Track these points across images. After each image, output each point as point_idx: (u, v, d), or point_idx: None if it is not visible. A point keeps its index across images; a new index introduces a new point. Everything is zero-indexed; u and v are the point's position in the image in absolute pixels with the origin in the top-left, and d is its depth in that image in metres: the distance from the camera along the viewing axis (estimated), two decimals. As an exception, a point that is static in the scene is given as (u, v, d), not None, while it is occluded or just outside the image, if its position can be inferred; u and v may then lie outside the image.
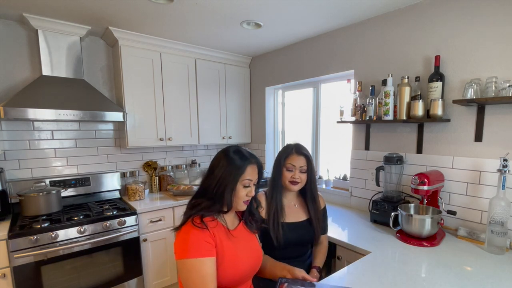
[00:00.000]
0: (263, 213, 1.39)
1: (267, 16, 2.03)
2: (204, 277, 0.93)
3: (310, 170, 1.45)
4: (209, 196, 1.05)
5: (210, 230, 1.01)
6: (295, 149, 1.43)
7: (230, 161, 1.05)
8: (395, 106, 1.83)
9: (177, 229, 1.04)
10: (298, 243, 1.45)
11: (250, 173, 1.07)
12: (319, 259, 1.48)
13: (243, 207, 1.11)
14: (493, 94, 1.45)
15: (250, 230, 1.20)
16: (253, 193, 1.10)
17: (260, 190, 1.50)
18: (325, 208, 1.57)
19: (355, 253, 1.53)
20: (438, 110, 1.62)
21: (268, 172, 3.18)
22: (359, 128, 2.21)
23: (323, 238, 1.55)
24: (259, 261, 1.17)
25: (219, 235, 1.04)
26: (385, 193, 1.91)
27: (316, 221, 1.47)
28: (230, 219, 1.14)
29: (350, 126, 2.29)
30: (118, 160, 2.65)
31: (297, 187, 1.43)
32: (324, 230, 1.55)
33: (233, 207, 1.09)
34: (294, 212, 1.48)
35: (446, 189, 1.72)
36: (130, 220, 2.12)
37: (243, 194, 1.07)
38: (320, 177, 2.65)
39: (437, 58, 1.66)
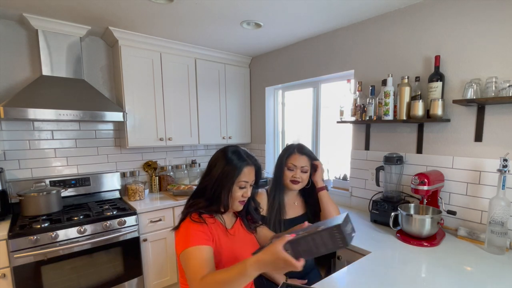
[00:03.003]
0: (263, 213, 1.40)
1: (267, 16, 2.03)
2: (201, 262, 0.92)
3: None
4: (207, 197, 1.06)
5: (209, 225, 1.02)
6: (297, 149, 1.46)
7: (228, 161, 1.06)
8: (395, 106, 1.83)
9: (176, 228, 1.04)
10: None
11: (247, 175, 1.07)
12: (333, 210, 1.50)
13: (239, 207, 1.11)
14: (493, 94, 1.45)
15: (247, 229, 1.20)
16: (248, 194, 1.10)
17: (261, 188, 1.51)
18: None
19: (355, 253, 1.53)
20: (438, 110, 1.62)
21: (268, 172, 3.19)
22: (359, 128, 2.21)
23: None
24: None
25: (217, 232, 1.05)
26: (385, 193, 1.91)
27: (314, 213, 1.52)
28: (228, 218, 1.15)
29: (350, 126, 2.29)
30: (118, 160, 2.65)
31: (298, 186, 1.44)
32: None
33: (230, 208, 1.09)
34: (292, 209, 1.50)
35: (446, 189, 1.72)
36: (130, 220, 2.12)
37: (239, 195, 1.07)
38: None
39: (437, 58, 1.66)
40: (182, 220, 1.04)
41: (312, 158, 1.48)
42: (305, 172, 1.44)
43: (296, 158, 1.42)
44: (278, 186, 1.47)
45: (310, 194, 1.52)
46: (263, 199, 1.46)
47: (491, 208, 1.42)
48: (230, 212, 1.17)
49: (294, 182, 1.43)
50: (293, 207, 1.51)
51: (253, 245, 1.18)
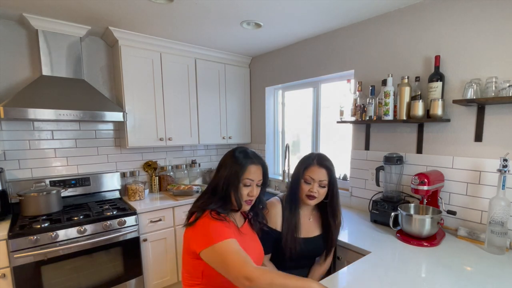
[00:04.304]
0: (274, 225, 1.35)
1: (267, 16, 2.03)
2: (240, 254, 0.92)
3: (332, 184, 1.34)
4: (220, 196, 1.09)
5: (229, 222, 1.05)
6: (317, 160, 1.33)
7: (234, 160, 1.09)
8: (395, 106, 1.83)
9: (190, 224, 1.05)
10: (309, 256, 1.42)
11: (252, 173, 1.09)
12: (314, 278, 1.41)
13: (245, 207, 1.12)
14: (493, 94, 1.45)
15: (254, 229, 1.23)
16: (254, 193, 1.11)
17: (275, 197, 1.46)
18: (340, 223, 1.48)
19: (355, 253, 1.53)
20: (438, 110, 1.62)
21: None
22: (359, 128, 2.21)
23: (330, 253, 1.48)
24: (262, 259, 1.21)
25: (233, 229, 1.07)
26: (385, 193, 1.91)
27: (331, 238, 1.41)
28: (238, 218, 1.18)
29: (350, 126, 2.29)
30: (118, 160, 2.65)
31: (313, 202, 1.34)
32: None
33: (241, 207, 1.11)
34: (307, 226, 1.41)
35: (446, 189, 1.72)
36: (130, 220, 2.12)
37: (245, 193, 1.09)
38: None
39: (437, 58, 1.66)
40: (199, 217, 1.04)
41: (332, 174, 1.33)
42: (323, 186, 1.32)
43: (315, 171, 1.30)
44: (294, 199, 1.36)
45: (329, 208, 1.40)
46: (277, 209, 1.38)
47: (491, 208, 1.42)
48: (239, 212, 1.19)
49: (310, 197, 1.32)
50: (308, 224, 1.41)
51: (258, 244, 1.21)
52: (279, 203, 1.40)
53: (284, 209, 1.38)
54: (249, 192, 1.09)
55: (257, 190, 1.13)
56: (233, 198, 1.08)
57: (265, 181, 1.16)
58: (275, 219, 1.36)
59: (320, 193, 1.32)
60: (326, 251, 1.45)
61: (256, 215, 1.24)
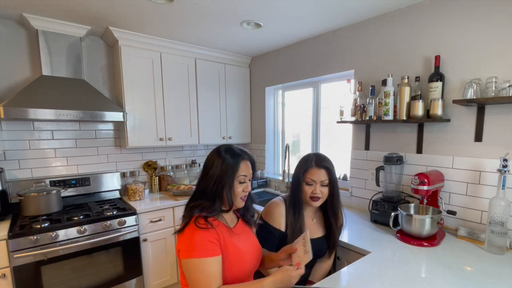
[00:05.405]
0: (274, 217, 1.36)
1: (267, 16, 2.03)
2: (208, 277, 0.94)
3: (332, 182, 1.35)
4: (208, 197, 1.07)
5: (216, 229, 1.03)
6: (315, 162, 1.33)
7: (224, 159, 1.07)
8: (395, 106, 1.83)
9: (179, 231, 1.04)
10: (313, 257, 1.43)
11: (244, 169, 1.09)
12: (318, 276, 1.43)
13: (240, 203, 1.12)
14: (493, 94, 1.45)
15: (249, 225, 1.23)
16: (249, 189, 1.12)
17: (279, 197, 1.46)
18: (342, 224, 1.48)
19: (355, 253, 1.53)
20: (438, 110, 1.62)
21: (268, 172, 3.19)
22: (359, 128, 2.21)
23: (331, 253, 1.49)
24: (260, 256, 1.19)
25: (223, 233, 1.06)
26: (385, 193, 1.91)
27: (333, 238, 1.42)
28: (229, 218, 1.15)
29: (350, 126, 2.29)
30: (118, 160, 2.65)
31: (318, 203, 1.35)
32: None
33: (234, 205, 1.10)
34: (311, 227, 1.41)
35: (446, 189, 1.72)
36: (130, 220, 2.12)
37: (240, 190, 1.09)
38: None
39: (437, 58, 1.66)
40: (187, 224, 1.03)
41: (331, 173, 1.34)
42: (326, 186, 1.33)
43: (315, 172, 1.31)
44: (297, 202, 1.37)
45: (329, 207, 1.40)
46: (280, 209, 1.37)
47: (491, 208, 1.42)
48: (231, 211, 1.18)
49: (314, 198, 1.33)
50: (312, 225, 1.42)
51: (255, 241, 1.19)
52: (283, 203, 1.40)
53: (288, 209, 1.38)
54: (244, 189, 1.10)
55: (250, 184, 1.14)
56: (226, 197, 1.06)
57: (254, 174, 1.18)
58: (279, 219, 1.36)
59: (323, 192, 1.33)
60: (329, 250, 1.46)
61: (247, 210, 1.22)
